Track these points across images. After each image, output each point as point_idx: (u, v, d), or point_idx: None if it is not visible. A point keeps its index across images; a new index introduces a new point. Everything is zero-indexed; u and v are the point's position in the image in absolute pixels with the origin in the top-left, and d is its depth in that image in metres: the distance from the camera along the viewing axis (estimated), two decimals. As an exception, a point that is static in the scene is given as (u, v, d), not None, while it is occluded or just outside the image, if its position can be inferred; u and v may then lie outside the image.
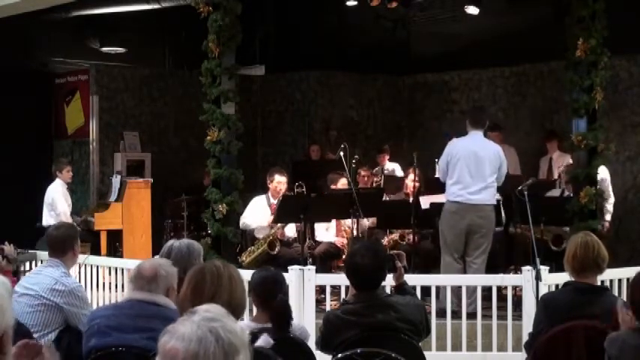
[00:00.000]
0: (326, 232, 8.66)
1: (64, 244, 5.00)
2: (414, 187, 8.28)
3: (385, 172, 10.36)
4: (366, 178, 9.50)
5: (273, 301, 3.91)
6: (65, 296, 4.76)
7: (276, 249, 8.05)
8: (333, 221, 8.54)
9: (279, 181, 8.32)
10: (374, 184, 9.62)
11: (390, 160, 10.79)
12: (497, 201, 7.62)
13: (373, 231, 8.75)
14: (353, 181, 8.75)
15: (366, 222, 8.41)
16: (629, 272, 6.08)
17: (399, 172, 10.32)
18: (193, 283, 3.40)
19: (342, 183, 8.50)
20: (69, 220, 9.37)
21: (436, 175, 8.33)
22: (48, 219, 9.59)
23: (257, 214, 8.31)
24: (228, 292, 3.33)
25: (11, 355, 2.39)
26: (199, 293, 3.34)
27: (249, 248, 8.24)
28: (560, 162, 9.41)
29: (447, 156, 7.46)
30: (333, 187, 8.57)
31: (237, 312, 3.29)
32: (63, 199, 9.76)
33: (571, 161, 8.85)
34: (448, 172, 7.40)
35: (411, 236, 8.29)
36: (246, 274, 4.36)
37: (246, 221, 8.32)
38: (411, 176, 8.67)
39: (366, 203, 7.76)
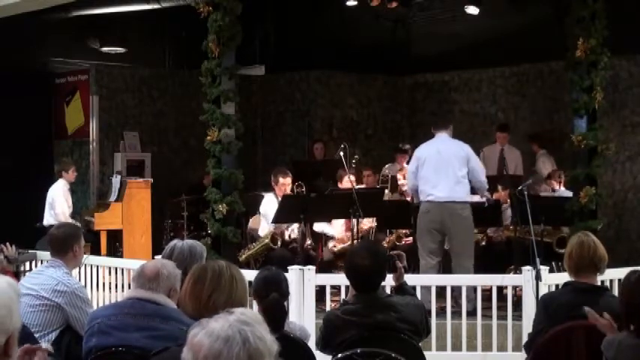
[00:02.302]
0: (329, 225, 8.66)
1: (64, 244, 4.97)
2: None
3: None
4: (370, 178, 9.45)
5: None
6: (67, 297, 4.74)
7: (278, 243, 8.12)
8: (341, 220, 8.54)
9: (283, 183, 8.36)
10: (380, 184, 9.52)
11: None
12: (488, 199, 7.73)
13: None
14: (357, 181, 8.76)
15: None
16: (628, 272, 6.08)
17: None
18: (194, 279, 3.41)
19: (347, 181, 8.54)
20: (68, 220, 9.37)
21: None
22: (49, 219, 9.60)
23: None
24: (228, 292, 3.33)
25: (16, 358, 2.39)
26: (198, 289, 3.35)
27: (249, 246, 8.30)
28: (541, 161, 9.72)
29: (415, 160, 7.70)
30: (339, 183, 8.60)
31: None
32: (63, 199, 9.75)
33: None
34: (417, 175, 7.57)
35: (408, 237, 8.28)
36: (250, 275, 4.35)
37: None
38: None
39: (366, 203, 7.76)
